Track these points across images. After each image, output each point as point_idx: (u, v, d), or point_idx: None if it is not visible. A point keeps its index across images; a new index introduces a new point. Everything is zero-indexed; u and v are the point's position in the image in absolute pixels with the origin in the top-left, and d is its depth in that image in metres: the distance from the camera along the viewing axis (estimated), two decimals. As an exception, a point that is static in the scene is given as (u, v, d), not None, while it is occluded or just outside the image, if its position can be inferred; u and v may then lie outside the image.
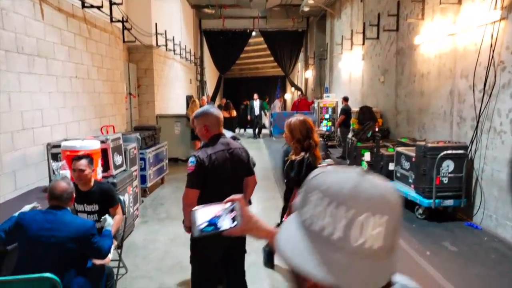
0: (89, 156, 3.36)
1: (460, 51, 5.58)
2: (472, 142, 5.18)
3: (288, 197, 3.16)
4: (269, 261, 3.81)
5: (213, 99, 16.87)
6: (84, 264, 2.74)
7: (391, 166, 6.56)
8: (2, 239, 2.57)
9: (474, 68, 5.11)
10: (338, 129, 11.59)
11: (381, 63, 9.16)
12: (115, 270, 3.47)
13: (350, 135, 9.56)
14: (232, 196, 1.12)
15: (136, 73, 9.52)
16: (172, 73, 11.95)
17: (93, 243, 2.60)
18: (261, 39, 18.83)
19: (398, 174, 6.20)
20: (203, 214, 1.09)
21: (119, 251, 3.70)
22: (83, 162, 3.22)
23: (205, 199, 2.20)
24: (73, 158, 3.32)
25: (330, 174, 0.68)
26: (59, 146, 4.34)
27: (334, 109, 12.42)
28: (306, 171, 2.94)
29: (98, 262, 3.05)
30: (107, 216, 3.09)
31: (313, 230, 0.65)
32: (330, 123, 12.39)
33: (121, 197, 3.78)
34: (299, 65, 19.15)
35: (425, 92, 6.75)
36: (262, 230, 1.11)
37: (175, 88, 12.41)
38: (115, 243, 3.47)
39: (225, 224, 1.08)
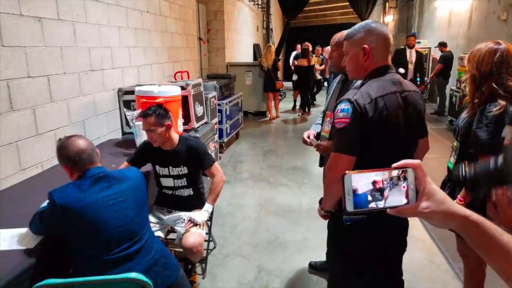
0: (159, 108, 2.45)
1: None
2: None
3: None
4: None
5: (278, 49, 15.40)
6: None
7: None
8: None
9: None
10: (429, 80, 9.99)
11: (503, -4, 7.33)
12: (204, 244, 2.75)
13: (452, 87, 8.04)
14: (405, 161, 0.70)
15: (206, 16, 8.57)
16: (241, 18, 10.85)
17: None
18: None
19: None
20: (360, 181, 0.69)
21: (209, 223, 2.96)
22: (149, 120, 2.38)
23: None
24: (139, 114, 2.51)
25: None
26: (132, 92, 3.61)
27: (426, 57, 10.70)
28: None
29: (188, 226, 2.46)
30: (191, 214, 2.49)
31: None
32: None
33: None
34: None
35: None
36: (454, 214, 0.66)
37: (244, 35, 11.34)
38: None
39: (394, 198, 0.69)
